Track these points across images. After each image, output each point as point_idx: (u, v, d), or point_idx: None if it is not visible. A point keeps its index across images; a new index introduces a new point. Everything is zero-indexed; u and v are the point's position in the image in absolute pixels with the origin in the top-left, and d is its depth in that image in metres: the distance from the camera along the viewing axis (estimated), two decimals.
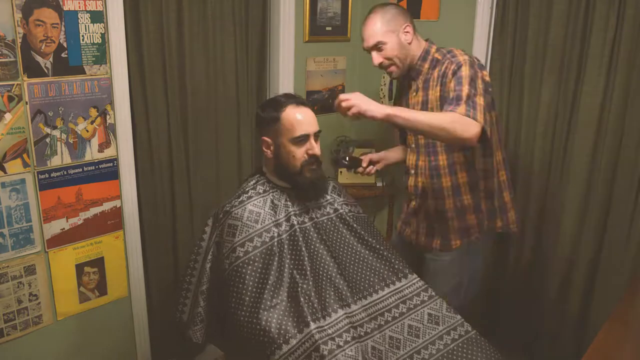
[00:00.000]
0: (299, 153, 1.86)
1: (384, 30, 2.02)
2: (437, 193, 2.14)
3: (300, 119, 1.85)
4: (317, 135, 1.90)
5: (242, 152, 2.86)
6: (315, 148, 1.88)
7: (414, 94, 2.12)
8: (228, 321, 1.79)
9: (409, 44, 2.05)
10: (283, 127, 1.84)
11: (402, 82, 2.21)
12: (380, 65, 2.07)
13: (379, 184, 3.22)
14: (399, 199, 3.26)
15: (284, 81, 2.92)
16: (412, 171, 2.21)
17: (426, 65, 2.08)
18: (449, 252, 2.19)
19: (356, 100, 1.78)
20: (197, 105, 2.61)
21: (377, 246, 1.93)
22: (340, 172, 3.22)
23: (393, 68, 2.08)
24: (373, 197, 3.22)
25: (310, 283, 1.76)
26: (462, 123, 1.79)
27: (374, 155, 2.31)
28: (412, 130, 2.02)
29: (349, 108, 1.78)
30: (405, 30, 2.04)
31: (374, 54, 2.04)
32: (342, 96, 1.81)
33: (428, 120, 1.79)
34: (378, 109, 1.77)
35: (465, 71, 1.92)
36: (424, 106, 2.07)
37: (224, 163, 2.80)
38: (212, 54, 2.63)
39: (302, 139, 1.85)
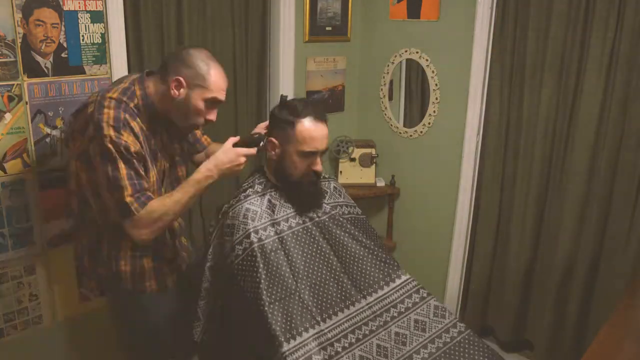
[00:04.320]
0: (302, 165, 1.86)
1: None
2: None
3: (314, 135, 1.83)
4: (323, 152, 1.89)
5: None
6: (319, 165, 1.88)
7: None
8: (236, 319, 1.79)
9: None
10: (295, 136, 1.82)
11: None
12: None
13: (379, 184, 3.22)
14: (399, 199, 3.26)
15: (284, 81, 2.92)
16: None
17: None
18: None
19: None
20: None
21: (373, 247, 1.93)
22: (341, 172, 3.22)
23: None
24: (373, 197, 3.23)
25: (309, 283, 1.76)
26: None
27: None
28: None
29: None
30: None
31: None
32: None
33: None
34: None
35: None
36: None
37: None
38: (212, 54, 2.61)
39: (309, 155, 1.85)
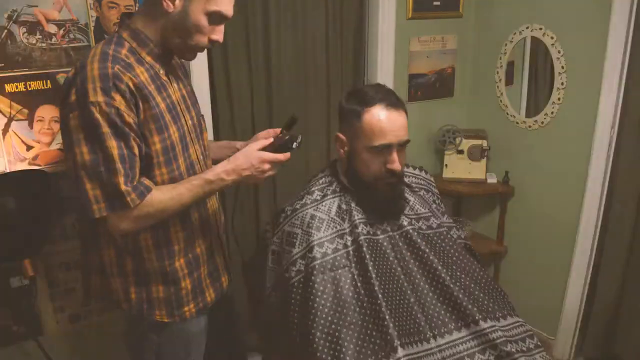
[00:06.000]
0: (375, 164, 1.59)
1: None
2: None
3: (385, 125, 1.56)
4: (403, 145, 1.61)
5: (331, 145, 2.66)
6: (396, 162, 1.58)
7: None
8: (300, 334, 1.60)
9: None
10: (362, 129, 1.58)
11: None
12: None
13: (491, 181, 2.88)
14: (512, 199, 2.91)
15: (383, 64, 2.68)
16: None
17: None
18: None
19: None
20: (282, 91, 2.46)
21: (462, 276, 1.61)
22: (446, 165, 2.93)
23: None
24: (482, 195, 2.93)
25: (380, 307, 1.51)
26: None
27: None
28: None
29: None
30: None
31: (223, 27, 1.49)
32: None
33: None
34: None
35: None
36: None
37: (313, 156, 2.64)
38: (302, 33, 2.45)
39: (382, 149, 1.57)
